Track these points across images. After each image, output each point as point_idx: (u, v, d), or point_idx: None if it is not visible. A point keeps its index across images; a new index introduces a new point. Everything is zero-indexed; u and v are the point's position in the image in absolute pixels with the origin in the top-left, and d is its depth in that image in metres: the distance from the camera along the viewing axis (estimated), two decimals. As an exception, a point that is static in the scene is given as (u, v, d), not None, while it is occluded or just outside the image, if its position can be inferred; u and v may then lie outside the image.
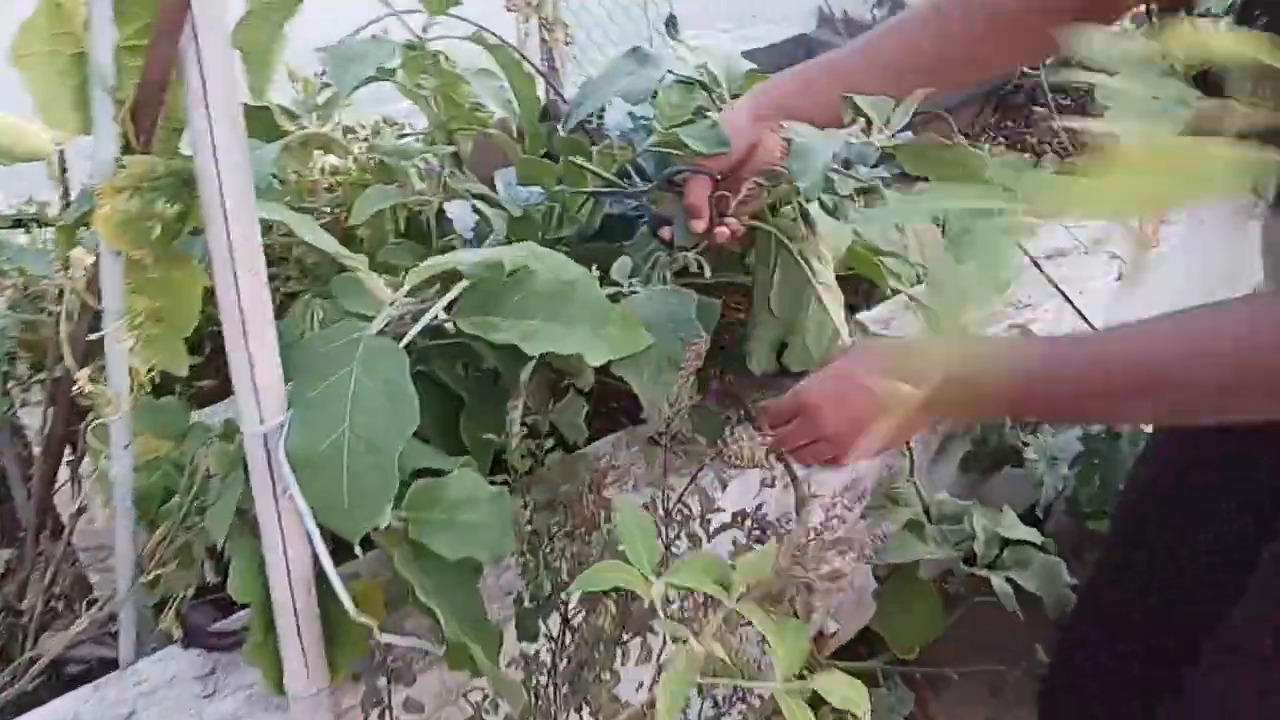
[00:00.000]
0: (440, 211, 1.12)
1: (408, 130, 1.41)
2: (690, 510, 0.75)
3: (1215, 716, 0.95)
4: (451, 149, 1.19)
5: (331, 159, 1.28)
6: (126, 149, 0.63)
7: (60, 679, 0.97)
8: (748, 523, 0.73)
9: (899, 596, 1.20)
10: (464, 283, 0.81)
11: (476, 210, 1.15)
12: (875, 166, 1.30)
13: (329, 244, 0.78)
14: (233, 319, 0.67)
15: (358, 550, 0.73)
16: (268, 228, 0.88)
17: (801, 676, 0.56)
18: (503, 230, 1.07)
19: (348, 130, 1.31)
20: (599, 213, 1.27)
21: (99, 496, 0.78)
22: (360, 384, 0.69)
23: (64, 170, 0.72)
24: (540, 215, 1.22)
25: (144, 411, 0.88)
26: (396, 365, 0.70)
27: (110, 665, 0.92)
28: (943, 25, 0.96)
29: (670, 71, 1.12)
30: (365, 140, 1.27)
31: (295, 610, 0.76)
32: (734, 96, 1.17)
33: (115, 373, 0.71)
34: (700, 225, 1.04)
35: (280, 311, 1.14)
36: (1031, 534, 1.14)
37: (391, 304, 0.79)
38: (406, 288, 0.79)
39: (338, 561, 0.90)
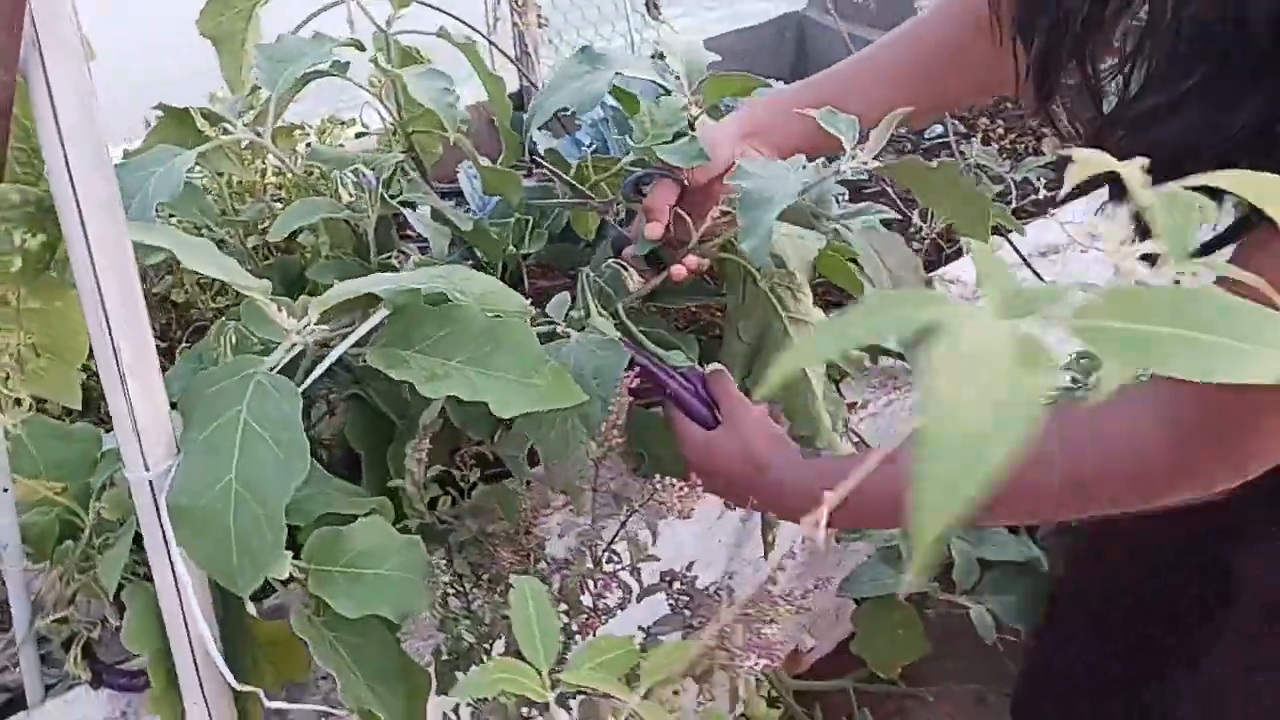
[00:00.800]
0: (381, 225, 1.04)
1: (365, 130, 1.34)
2: (619, 559, 0.69)
3: (1202, 694, 0.93)
4: (399, 156, 1.10)
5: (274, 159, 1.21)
6: (-24, 176, 0.57)
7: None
8: (675, 585, 0.67)
9: (877, 620, 1.15)
10: (383, 311, 0.74)
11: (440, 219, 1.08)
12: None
13: (223, 270, 0.71)
14: (106, 359, 0.61)
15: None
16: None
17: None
18: (442, 248, 1.00)
19: (295, 128, 1.24)
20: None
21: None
22: (249, 428, 0.63)
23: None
24: (509, 229, 1.14)
25: (49, 439, 0.82)
26: (289, 408, 0.63)
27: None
28: (937, 38, 0.94)
29: (619, 73, 1.04)
30: (308, 143, 1.20)
31: (196, 664, 0.71)
32: (693, 92, 1.10)
33: (-17, 416, 0.66)
34: (657, 230, 0.97)
35: (203, 332, 1.09)
36: (1019, 552, 1.07)
37: (299, 332, 0.72)
38: (313, 316, 0.72)
39: (261, 594, 0.85)
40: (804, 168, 0.93)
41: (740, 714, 1.29)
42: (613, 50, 1.12)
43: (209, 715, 0.72)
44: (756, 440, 0.85)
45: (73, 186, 0.56)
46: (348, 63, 1.11)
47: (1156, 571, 0.99)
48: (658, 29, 1.90)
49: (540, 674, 0.50)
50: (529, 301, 1.05)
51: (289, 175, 1.14)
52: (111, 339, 0.60)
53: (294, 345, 0.73)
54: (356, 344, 0.77)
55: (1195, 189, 0.45)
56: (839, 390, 1.16)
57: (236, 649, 0.76)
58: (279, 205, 1.18)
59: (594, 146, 1.41)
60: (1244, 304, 0.36)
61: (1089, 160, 0.43)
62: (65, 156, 0.56)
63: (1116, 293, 0.38)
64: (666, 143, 1.07)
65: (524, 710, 0.60)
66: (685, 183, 0.98)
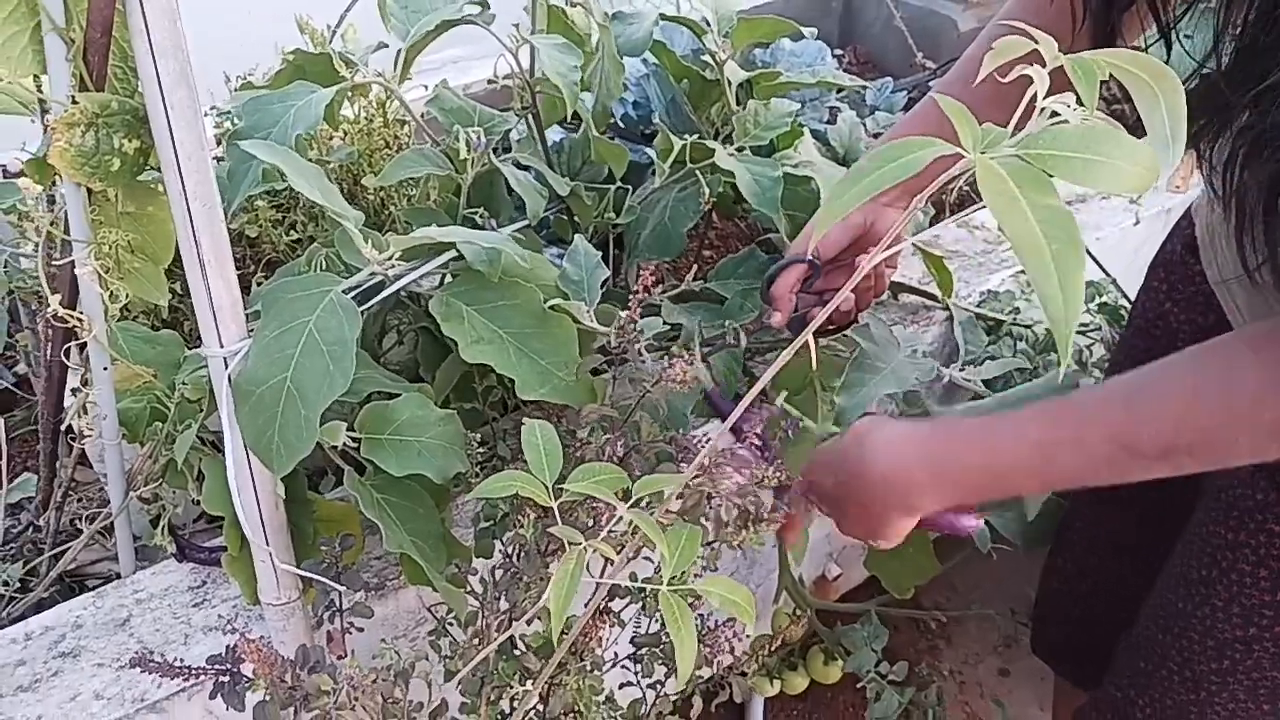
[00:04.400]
0: (485, 180, 1.10)
1: (495, 80, 1.40)
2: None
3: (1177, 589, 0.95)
4: (512, 122, 1.16)
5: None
6: (84, 87, 0.68)
7: (83, 590, 1.05)
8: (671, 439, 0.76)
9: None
10: (446, 259, 0.83)
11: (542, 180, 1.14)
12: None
13: (323, 195, 0.81)
14: (189, 250, 0.72)
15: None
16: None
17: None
18: (538, 208, 1.06)
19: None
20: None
21: (86, 417, 0.84)
22: (311, 338, 0.72)
23: (45, 113, 0.77)
24: (596, 198, 1.19)
25: (139, 342, 0.94)
26: (349, 329, 0.72)
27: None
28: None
29: (662, 15, 1.12)
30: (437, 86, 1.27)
31: (263, 526, 0.81)
32: (725, 37, 1.17)
33: (87, 298, 0.77)
34: (777, 319, 1.00)
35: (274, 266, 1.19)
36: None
37: (380, 264, 0.82)
38: (394, 251, 0.81)
39: (336, 484, 0.95)
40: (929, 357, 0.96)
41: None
42: (645, 10, 1.19)
43: (275, 572, 0.83)
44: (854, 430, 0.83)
45: (162, 96, 0.66)
46: (494, 15, 1.13)
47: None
48: (704, -3, 1.98)
49: (546, 485, 0.59)
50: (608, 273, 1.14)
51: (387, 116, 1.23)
52: (193, 230, 0.71)
53: (374, 275, 0.83)
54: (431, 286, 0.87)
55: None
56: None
57: (298, 523, 0.87)
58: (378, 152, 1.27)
59: (637, 103, 1.50)
60: (1120, 134, 0.44)
61: (1006, 47, 0.50)
62: (156, 70, 0.66)
63: (1047, 130, 0.46)
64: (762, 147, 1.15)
65: (542, 545, 0.69)
66: (816, 262, 0.99)
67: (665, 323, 1.00)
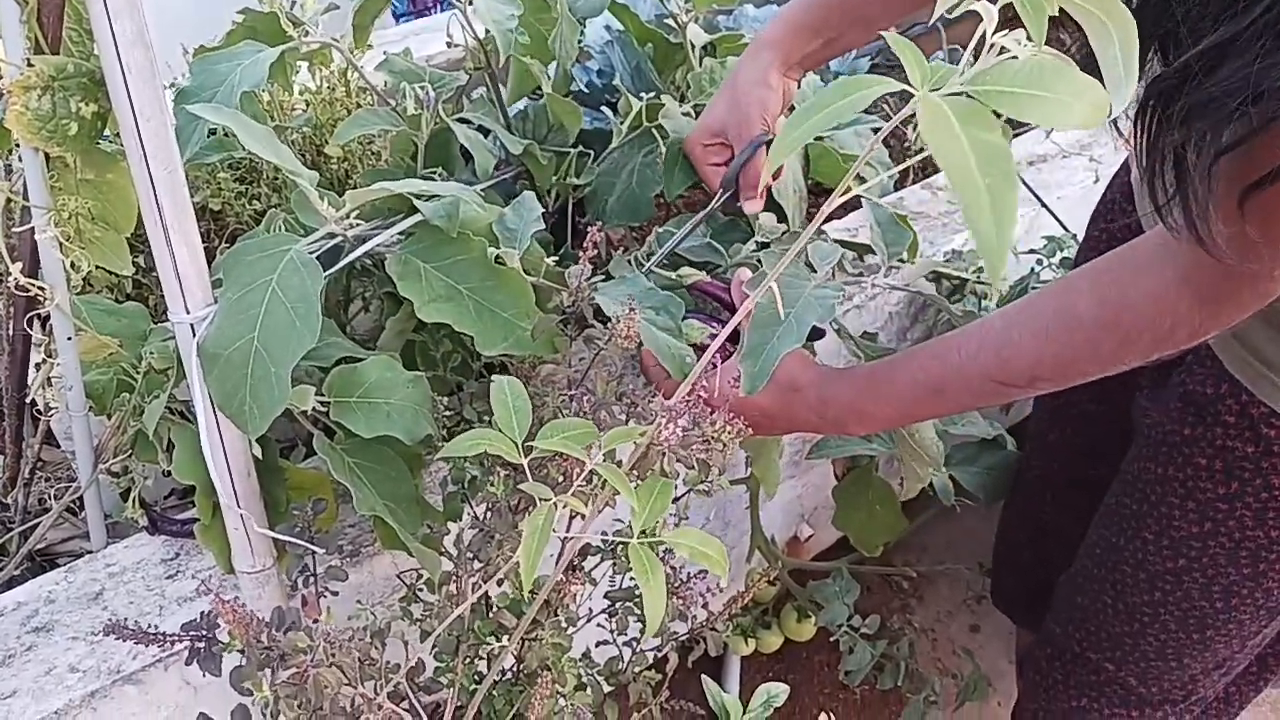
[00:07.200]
0: (441, 140, 1.10)
1: (450, 40, 1.39)
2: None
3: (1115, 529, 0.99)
4: (462, 78, 1.14)
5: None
6: (39, 50, 0.67)
7: (53, 569, 1.04)
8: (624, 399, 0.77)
9: (856, 495, 1.23)
10: (410, 225, 0.83)
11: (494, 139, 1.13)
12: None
13: (277, 156, 0.80)
14: (151, 214, 0.71)
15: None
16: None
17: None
18: (487, 166, 1.07)
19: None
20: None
21: (51, 390, 0.83)
22: (275, 296, 0.72)
23: (-1, 77, 0.76)
24: (554, 159, 1.18)
25: (103, 315, 0.93)
26: (310, 285, 0.72)
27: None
28: None
29: (611, -19, 1.12)
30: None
31: (235, 493, 0.81)
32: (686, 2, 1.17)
33: (48, 266, 0.76)
34: (756, 205, 1.06)
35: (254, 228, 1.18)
36: (985, 429, 1.15)
37: (336, 222, 0.81)
38: (349, 208, 0.81)
39: (306, 455, 0.95)
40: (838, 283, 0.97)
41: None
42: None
43: (248, 539, 0.83)
44: (783, 364, 0.86)
45: (119, 57, 0.66)
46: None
47: (1079, 433, 1.07)
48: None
49: (515, 442, 0.59)
50: (569, 236, 1.12)
51: (350, 86, 1.21)
52: (155, 194, 0.70)
53: (332, 235, 0.83)
54: (390, 246, 0.87)
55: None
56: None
57: (271, 490, 0.87)
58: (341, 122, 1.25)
59: (601, 70, 1.50)
60: (1069, 70, 0.44)
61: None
62: (111, 31, 0.65)
63: (995, 66, 0.46)
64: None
65: (513, 502, 0.70)
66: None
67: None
